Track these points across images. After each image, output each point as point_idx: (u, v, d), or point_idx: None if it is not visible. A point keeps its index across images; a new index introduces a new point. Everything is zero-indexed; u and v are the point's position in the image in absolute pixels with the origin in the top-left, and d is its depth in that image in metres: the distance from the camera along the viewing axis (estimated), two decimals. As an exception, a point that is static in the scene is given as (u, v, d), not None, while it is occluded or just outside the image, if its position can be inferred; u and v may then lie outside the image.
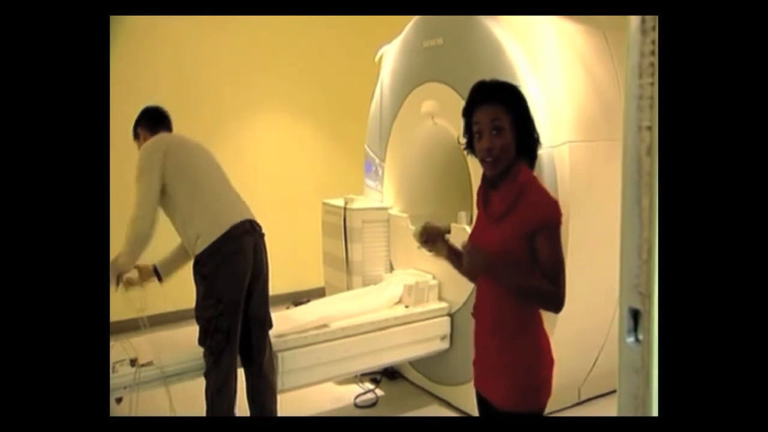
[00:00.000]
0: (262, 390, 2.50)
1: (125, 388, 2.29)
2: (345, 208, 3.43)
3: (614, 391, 0.83)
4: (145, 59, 4.25)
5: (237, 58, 4.62)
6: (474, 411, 1.75)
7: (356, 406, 3.16)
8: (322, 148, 5.08)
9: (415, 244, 1.72)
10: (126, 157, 2.51)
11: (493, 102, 1.55)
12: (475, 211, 1.75)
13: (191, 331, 2.43)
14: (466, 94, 1.62)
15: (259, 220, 2.50)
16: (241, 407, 2.49)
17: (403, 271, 3.31)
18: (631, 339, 0.79)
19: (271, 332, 2.55)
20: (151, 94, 3.15)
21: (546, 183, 2.35)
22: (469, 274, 1.69)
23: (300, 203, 4.81)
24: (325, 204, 3.66)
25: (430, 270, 3.16)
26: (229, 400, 2.37)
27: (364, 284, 3.38)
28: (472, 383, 1.71)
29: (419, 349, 3.01)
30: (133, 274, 2.44)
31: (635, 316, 0.78)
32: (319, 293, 3.90)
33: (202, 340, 2.35)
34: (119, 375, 2.30)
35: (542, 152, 2.17)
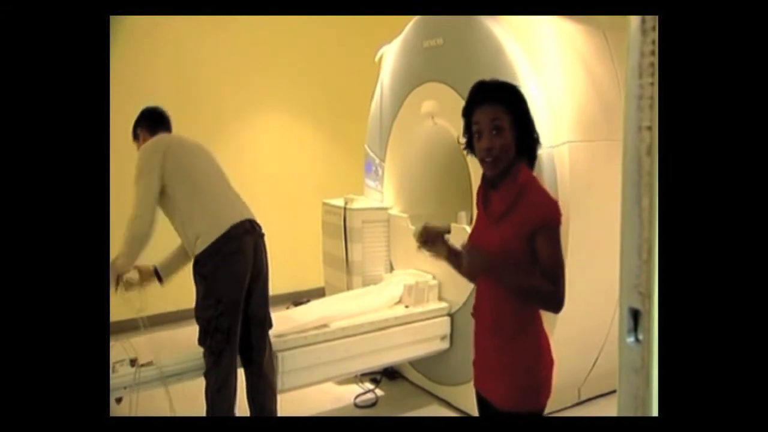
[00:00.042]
0: (262, 390, 2.50)
1: (125, 388, 2.29)
2: (345, 208, 3.43)
3: (614, 391, 0.83)
4: (145, 59, 4.25)
5: (237, 58, 4.62)
6: (474, 411, 1.75)
7: (356, 406, 3.16)
8: (322, 148, 5.08)
9: (415, 244, 1.72)
10: (126, 157, 2.51)
11: (492, 102, 1.55)
12: (475, 211, 1.75)
13: (191, 331, 2.43)
14: (466, 94, 1.62)
15: (259, 220, 2.50)
16: (241, 407, 2.49)
17: (403, 271, 3.31)
18: (631, 339, 0.79)
19: (271, 332, 2.55)
20: (151, 94, 3.15)
21: (546, 183, 2.35)
22: (469, 274, 1.69)
23: (300, 203, 4.81)
24: (325, 204, 3.66)
25: (430, 270, 3.16)
26: (229, 400, 2.37)
27: (364, 284, 3.38)
28: (472, 383, 1.71)
29: (419, 349, 3.01)
30: (133, 275, 2.43)
31: (635, 316, 0.78)
32: (319, 293, 3.90)
33: (202, 340, 2.35)
34: (119, 375, 2.30)
35: (542, 152, 2.18)
